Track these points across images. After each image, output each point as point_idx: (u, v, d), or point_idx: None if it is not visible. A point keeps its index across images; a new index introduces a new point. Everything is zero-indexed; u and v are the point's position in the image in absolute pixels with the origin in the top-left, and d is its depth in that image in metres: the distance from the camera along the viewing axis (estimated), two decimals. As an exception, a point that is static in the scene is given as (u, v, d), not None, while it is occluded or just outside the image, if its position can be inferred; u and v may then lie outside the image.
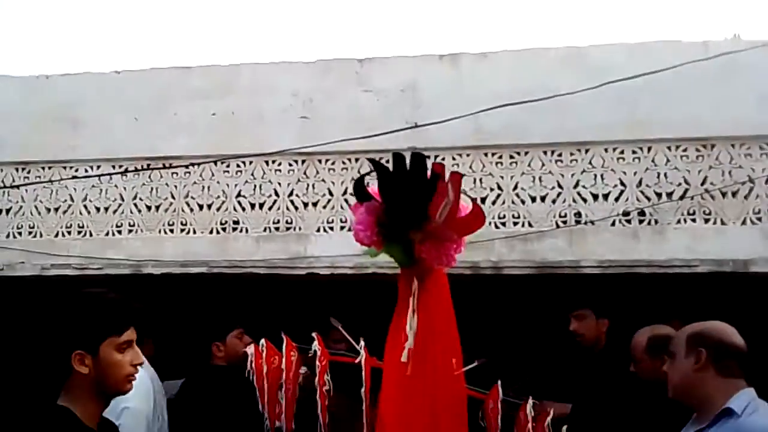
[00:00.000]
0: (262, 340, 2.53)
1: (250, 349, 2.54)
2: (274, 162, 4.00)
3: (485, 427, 2.27)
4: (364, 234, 1.63)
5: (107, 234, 4.04)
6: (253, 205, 3.96)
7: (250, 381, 2.51)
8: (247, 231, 3.91)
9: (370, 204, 1.60)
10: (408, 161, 1.63)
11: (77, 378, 1.60)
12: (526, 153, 3.75)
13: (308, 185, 3.94)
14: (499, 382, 2.25)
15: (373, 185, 1.78)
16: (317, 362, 2.35)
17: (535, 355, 3.91)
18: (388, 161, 1.80)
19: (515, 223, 3.64)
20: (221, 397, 2.77)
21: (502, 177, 3.75)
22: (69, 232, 4.08)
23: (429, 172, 1.70)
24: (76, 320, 1.60)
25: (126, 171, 4.09)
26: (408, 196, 1.58)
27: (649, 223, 3.48)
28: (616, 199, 3.56)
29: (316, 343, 2.43)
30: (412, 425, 1.65)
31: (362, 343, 2.50)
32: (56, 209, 4.13)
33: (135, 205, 4.08)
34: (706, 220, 3.43)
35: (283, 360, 2.40)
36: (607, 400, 2.63)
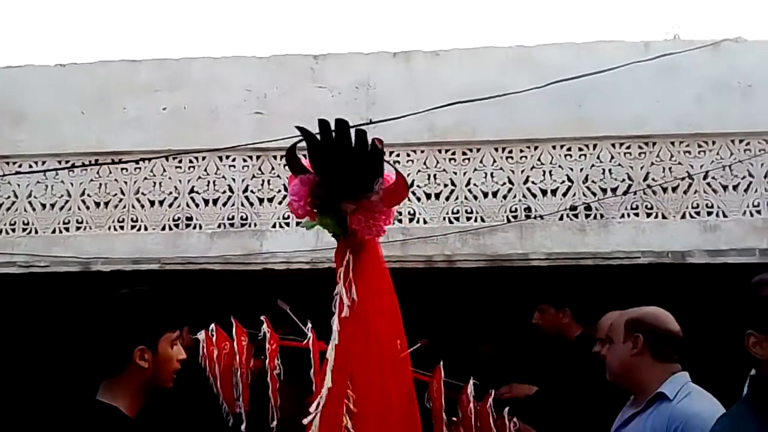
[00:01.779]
0: (212, 325, 2.51)
1: (201, 336, 2.52)
2: (228, 158, 3.96)
3: (431, 409, 2.32)
4: (298, 205, 1.66)
5: (53, 231, 3.91)
6: (206, 201, 3.91)
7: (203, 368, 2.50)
8: (200, 227, 3.86)
9: (304, 176, 1.63)
10: (333, 128, 1.63)
11: (132, 373, 1.63)
12: (478, 150, 3.83)
13: (263, 181, 3.92)
14: (441, 363, 2.30)
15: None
16: (267, 345, 2.36)
17: (501, 345, 3.96)
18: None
19: (468, 218, 3.72)
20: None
21: (455, 173, 3.82)
22: (13, 230, 3.94)
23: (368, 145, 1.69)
24: (141, 317, 1.65)
25: (73, 166, 3.98)
26: (338, 166, 1.60)
27: (595, 218, 3.61)
28: (564, 195, 3.68)
29: (264, 326, 2.43)
30: (363, 407, 1.67)
31: (309, 325, 2.51)
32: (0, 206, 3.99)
33: (83, 201, 3.97)
34: (648, 215, 3.59)
35: (235, 344, 2.39)
36: (574, 383, 2.70)
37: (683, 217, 3.55)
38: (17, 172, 3.97)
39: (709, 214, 3.53)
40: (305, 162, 1.71)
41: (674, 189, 3.60)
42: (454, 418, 2.34)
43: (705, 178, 3.59)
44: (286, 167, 3.83)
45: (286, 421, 2.42)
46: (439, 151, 3.86)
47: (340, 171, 1.61)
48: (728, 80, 3.68)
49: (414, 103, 3.77)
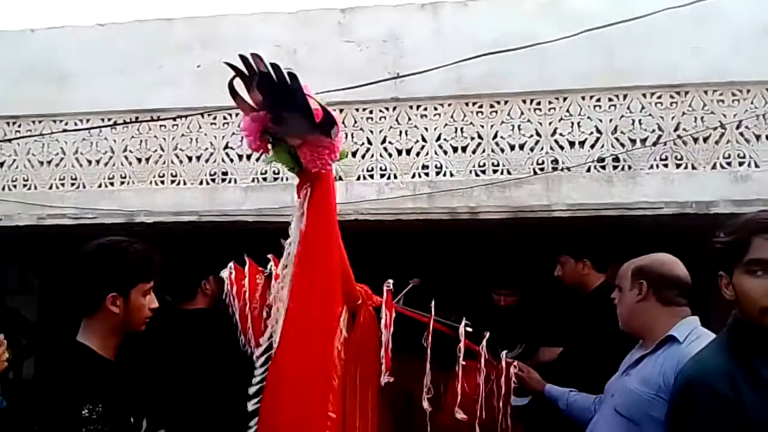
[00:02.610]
0: (231, 264, 2.65)
1: (225, 274, 2.68)
2: (257, 113, 4.07)
3: (426, 346, 2.38)
4: (251, 140, 1.77)
5: (100, 186, 4.15)
6: (240, 157, 4.06)
7: (225, 315, 2.67)
8: (235, 182, 4.03)
9: (255, 114, 1.71)
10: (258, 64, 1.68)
11: (104, 317, 1.85)
12: (506, 102, 3.83)
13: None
14: (433, 303, 2.39)
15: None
16: (273, 281, 2.46)
17: (522, 298, 4.02)
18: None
19: (494, 171, 3.76)
20: (193, 339, 2.99)
21: (482, 126, 3.84)
22: (62, 185, 4.19)
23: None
24: (115, 267, 1.85)
25: (115, 124, 4.17)
26: (271, 100, 1.67)
27: (622, 169, 3.60)
28: (592, 146, 3.67)
29: (272, 264, 2.54)
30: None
31: None
32: (49, 162, 4.23)
33: (125, 157, 4.17)
34: (678, 165, 3.55)
35: (247, 280, 2.51)
36: (595, 341, 2.75)
37: (713, 167, 3.50)
38: (64, 130, 4.20)
39: (741, 164, 3.47)
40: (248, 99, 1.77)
41: (705, 139, 3.54)
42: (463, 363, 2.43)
43: (738, 127, 3.51)
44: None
45: None
46: (467, 104, 3.88)
47: (274, 105, 1.68)
48: (766, 26, 3.54)
49: (442, 56, 3.77)
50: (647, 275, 2.04)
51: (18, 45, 4.39)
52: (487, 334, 2.47)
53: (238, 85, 1.76)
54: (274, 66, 1.66)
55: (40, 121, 4.27)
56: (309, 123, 1.66)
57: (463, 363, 2.35)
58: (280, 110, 1.69)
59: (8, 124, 4.30)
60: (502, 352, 2.64)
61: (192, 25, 4.25)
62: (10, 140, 4.20)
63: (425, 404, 2.17)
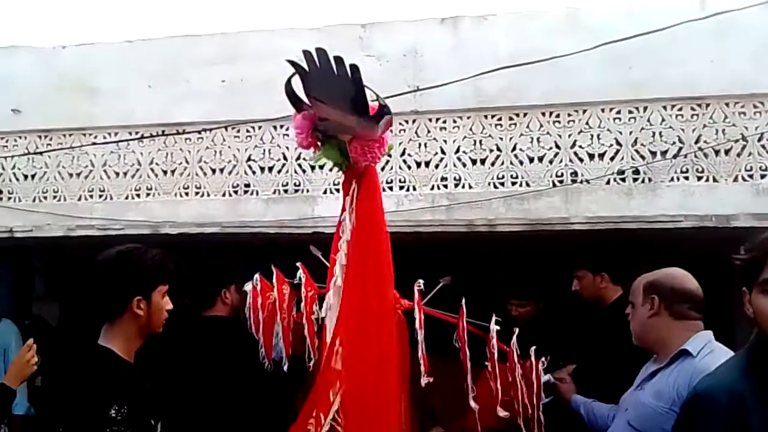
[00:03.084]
0: (256, 275, 2.70)
1: (249, 286, 2.73)
2: (282, 127, 4.15)
3: (459, 348, 2.41)
4: (302, 137, 1.82)
5: (127, 197, 4.26)
6: (263, 169, 4.14)
7: (244, 326, 2.71)
8: (257, 194, 4.11)
9: (306, 112, 1.77)
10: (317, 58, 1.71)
11: (129, 320, 1.93)
12: (525, 114, 3.85)
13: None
14: (464, 301, 2.41)
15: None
16: (303, 290, 2.50)
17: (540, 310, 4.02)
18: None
19: (513, 183, 3.78)
20: (215, 345, 3.05)
21: (501, 138, 3.87)
22: (91, 196, 4.32)
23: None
24: (138, 270, 1.96)
25: (142, 137, 4.29)
26: (329, 95, 1.72)
27: (642, 181, 3.59)
28: (612, 159, 3.67)
29: (300, 272, 2.58)
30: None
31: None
32: (78, 174, 4.36)
33: (152, 169, 4.29)
34: (699, 178, 3.53)
35: (275, 291, 2.57)
36: (615, 354, 2.73)
37: (735, 180, 3.47)
38: (93, 143, 4.33)
39: (763, 177, 3.44)
40: (304, 97, 1.82)
41: (727, 152, 3.52)
42: (486, 363, 2.45)
43: (760, 140, 3.48)
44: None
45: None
46: (486, 117, 3.91)
47: (332, 99, 1.72)
48: (788, 38, 3.52)
49: (461, 69, 3.80)
50: (659, 290, 2.04)
51: (50, 61, 4.55)
52: (517, 330, 2.49)
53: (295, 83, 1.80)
54: (337, 59, 1.70)
55: (70, 135, 4.41)
56: (362, 117, 1.70)
57: (487, 364, 2.38)
58: (338, 104, 1.73)
59: (40, 137, 4.45)
60: (531, 348, 2.65)
61: (217, 41, 4.36)
62: (41, 153, 4.34)
63: (472, 404, 2.20)
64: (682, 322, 2.00)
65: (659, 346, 2.05)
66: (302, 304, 2.54)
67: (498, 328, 2.38)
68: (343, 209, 1.95)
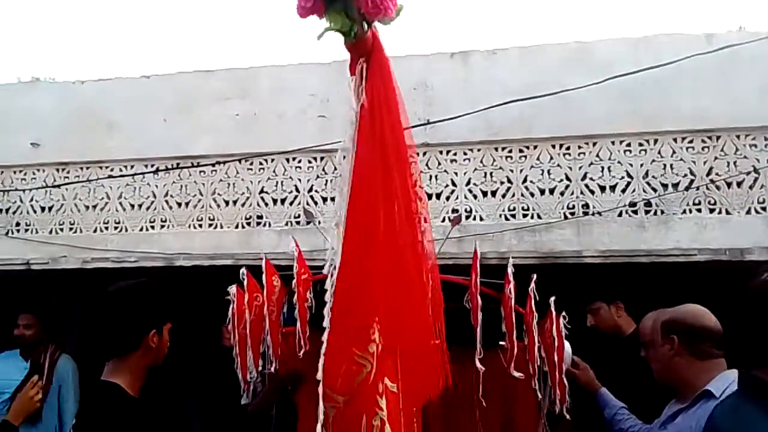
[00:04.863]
0: (243, 270, 2.51)
1: (232, 290, 2.52)
2: (294, 159, 4.21)
3: (470, 309, 2.31)
4: (305, 3, 1.62)
5: (141, 229, 4.32)
6: (275, 201, 4.19)
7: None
8: (270, 225, 4.15)
9: None
10: None
11: (141, 354, 1.91)
12: (535, 147, 3.87)
13: (327, 181, 4.15)
14: (478, 263, 2.36)
15: None
16: (295, 276, 2.30)
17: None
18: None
19: (524, 215, 3.78)
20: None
21: (512, 170, 3.89)
22: (106, 228, 4.38)
23: None
24: (157, 304, 1.96)
25: (157, 170, 4.36)
26: None
27: (655, 214, 3.59)
28: (623, 191, 3.67)
29: (293, 246, 2.43)
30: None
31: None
32: (94, 206, 4.43)
33: (166, 201, 4.35)
34: (711, 210, 3.52)
35: (264, 278, 2.40)
36: (630, 381, 2.72)
37: (748, 212, 3.46)
38: (109, 176, 4.41)
39: (776, 209, 3.43)
40: None
41: (739, 184, 3.52)
42: (501, 343, 2.38)
43: (772, 172, 3.48)
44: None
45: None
46: (496, 149, 3.94)
47: None
48: (796, 70, 3.54)
49: (471, 102, 3.87)
50: (678, 329, 2.02)
51: (69, 95, 4.67)
52: (534, 276, 2.43)
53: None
54: None
55: (87, 167, 4.49)
56: None
57: (502, 343, 2.30)
58: None
59: (58, 170, 4.54)
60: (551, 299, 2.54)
61: (230, 77, 4.45)
62: (59, 186, 4.42)
63: (478, 365, 2.11)
64: (705, 362, 1.97)
65: (682, 386, 2.02)
66: (295, 294, 2.34)
67: (513, 286, 2.31)
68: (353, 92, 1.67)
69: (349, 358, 1.49)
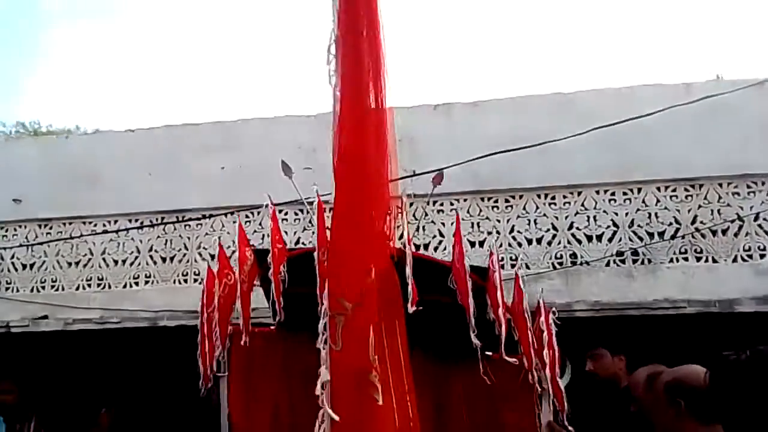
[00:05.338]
0: (217, 246, 2.45)
1: (204, 266, 2.46)
2: (281, 212, 4.18)
3: (455, 289, 2.24)
4: None
5: (125, 286, 4.24)
6: (262, 255, 4.14)
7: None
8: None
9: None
10: None
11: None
12: (521, 197, 3.89)
13: (314, 233, 4.10)
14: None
15: None
16: (271, 250, 2.21)
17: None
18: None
19: (513, 265, 3.76)
20: None
21: (498, 220, 3.89)
22: (89, 285, 4.30)
23: None
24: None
25: (142, 225, 4.31)
26: None
27: (642, 263, 3.59)
28: (610, 240, 3.68)
29: (269, 212, 2.33)
30: None
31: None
32: (77, 263, 4.36)
33: (150, 257, 4.29)
34: (698, 258, 3.54)
35: (237, 253, 2.32)
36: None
37: (734, 260, 3.48)
38: (93, 232, 4.35)
39: (762, 256, 3.45)
40: None
41: (724, 232, 3.54)
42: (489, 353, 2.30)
43: (756, 219, 3.51)
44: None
45: None
46: (482, 200, 3.96)
47: None
48: (775, 120, 3.61)
49: (456, 153, 3.88)
50: (683, 393, 1.98)
51: (54, 150, 4.65)
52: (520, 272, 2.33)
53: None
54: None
55: (70, 223, 4.44)
56: None
57: (489, 354, 2.22)
58: None
59: (40, 226, 4.48)
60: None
61: (217, 129, 4.46)
62: (41, 243, 4.35)
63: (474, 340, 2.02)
64: (709, 426, 1.93)
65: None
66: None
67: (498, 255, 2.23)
68: None
69: (356, 263, 1.49)
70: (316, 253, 1.76)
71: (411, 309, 1.75)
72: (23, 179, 4.54)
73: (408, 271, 1.77)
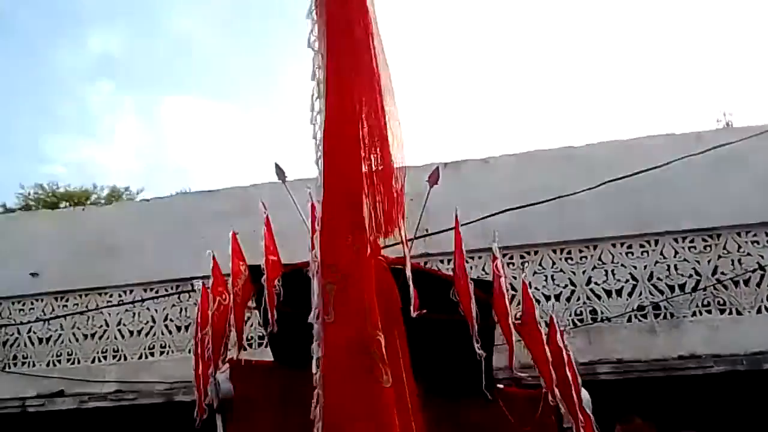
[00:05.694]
0: (208, 252, 2.43)
1: (198, 284, 2.44)
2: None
3: (458, 301, 2.13)
4: None
5: (140, 357, 4.21)
6: (277, 321, 4.10)
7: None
8: (272, 346, 4.04)
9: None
10: None
11: None
12: (536, 252, 3.85)
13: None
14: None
15: None
16: (264, 255, 2.22)
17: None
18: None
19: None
20: None
21: (514, 277, 3.83)
22: (105, 357, 4.27)
23: None
24: None
25: (157, 295, 4.31)
26: None
27: (665, 317, 3.51)
28: (630, 294, 3.61)
29: (263, 227, 2.30)
30: None
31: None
32: (93, 335, 4.35)
33: (166, 326, 4.27)
34: (721, 311, 3.45)
35: (230, 264, 2.27)
36: None
37: (759, 311, 3.39)
38: (108, 304, 4.35)
39: (788, 307, 3.35)
40: None
41: (746, 282, 3.46)
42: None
43: (778, 268, 3.43)
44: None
45: None
46: (497, 257, 3.90)
47: None
48: (789, 168, 3.58)
49: (468, 211, 3.85)
50: None
51: (70, 222, 4.71)
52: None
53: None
54: None
55: (86, 295, 4.45)
56: None
57: (500, 386, 2.10)
58: None
59: (56, 299, 4.50)
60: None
61: (231, 196, 4.50)
62: (57, 317, 4.36)
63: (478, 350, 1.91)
64: None
65: None
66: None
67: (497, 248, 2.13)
68: None
69: (345, 232, 1.55)
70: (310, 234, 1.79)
71: (414, 314, 1.70)
72: (40, 253, 4.59)
73: (408, 272, 1.75)
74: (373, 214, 1.75)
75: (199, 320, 2.41)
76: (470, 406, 2.26)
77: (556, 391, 2.13)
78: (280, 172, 2.97)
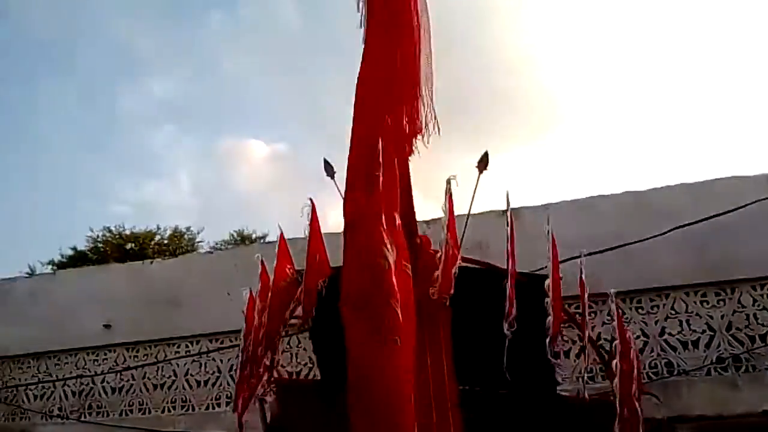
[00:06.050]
0: (258, 256, 2.42)
1: (245, 292, 2.46)
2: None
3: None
4: None
5: (207, 408, 4.30)
6: (339, 371, 4.11)
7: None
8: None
9: None
10: None
11: None
12: (603, 302, 3.73)
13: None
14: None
15: None
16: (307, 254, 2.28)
17: None
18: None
19: (603, 378, 3.56)
20: None
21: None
22: (174, 407, 4.38)
23: None
24: None
25: (222, 346, 4.41)
26: None
27: (746, 370, 3.32)
28: (707, 346, 3.45)
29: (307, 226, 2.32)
30: None
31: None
32: (162, 385, 4.48)
33: (231, 377, 4.34)
34: (810, 362, 3.24)
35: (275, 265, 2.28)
36: None
37: None
38: (176, 354, 4.48)
39: None
40: None
41: (836, 331, 3.25)
42: None
43: None
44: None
45: None
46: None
47: None
48: None
49: (527, 259, 3.80)
50: None
51: (139, 275, 4.91)
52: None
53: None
54: None
55: (156, 346, 4.60)
56: None
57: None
58: None
59: (128, 349, 4.67)
60: None
61: (294, 243, 4.58)
62: (129, 368, 4.51)
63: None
64: None
65: None
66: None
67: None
68: None
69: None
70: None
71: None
72: (112, 304, 4.80)
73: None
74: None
75: (245, 329, 2.49)
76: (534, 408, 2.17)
77: None
78: (328, 167, 2.99)
